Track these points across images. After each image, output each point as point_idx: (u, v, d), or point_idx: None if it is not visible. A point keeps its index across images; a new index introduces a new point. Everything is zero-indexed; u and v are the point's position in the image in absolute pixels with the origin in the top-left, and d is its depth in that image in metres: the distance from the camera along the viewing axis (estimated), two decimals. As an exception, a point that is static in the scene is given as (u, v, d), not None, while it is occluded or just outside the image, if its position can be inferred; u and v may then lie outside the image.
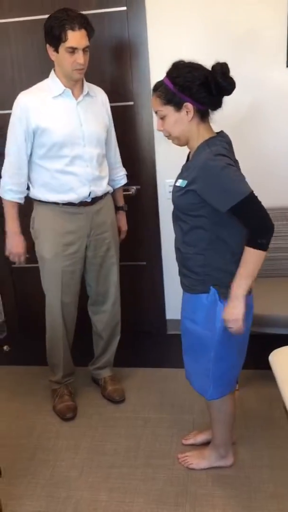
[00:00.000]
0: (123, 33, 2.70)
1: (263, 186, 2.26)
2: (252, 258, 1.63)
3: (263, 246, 1.62)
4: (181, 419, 2.39)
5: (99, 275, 2.44)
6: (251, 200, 1.59)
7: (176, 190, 1.74)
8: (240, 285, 1.67)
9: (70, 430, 2.38)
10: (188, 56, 2.73)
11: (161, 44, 2.68)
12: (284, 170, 2.81)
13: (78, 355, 2.57)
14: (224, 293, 1.74)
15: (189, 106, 1.65)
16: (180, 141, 1.75)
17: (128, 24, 2.68)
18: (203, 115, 1.69)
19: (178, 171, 2.83)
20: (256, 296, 2.45)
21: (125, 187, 2.87)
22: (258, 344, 2.92)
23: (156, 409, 2.48)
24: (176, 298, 2.83)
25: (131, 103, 2.82)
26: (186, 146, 1.78)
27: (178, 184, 1.72)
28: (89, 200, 2.27)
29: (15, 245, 2.32)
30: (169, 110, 1.67)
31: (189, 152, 1.81)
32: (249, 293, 1.80)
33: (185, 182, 1.68)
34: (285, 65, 2.63)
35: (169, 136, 1.74)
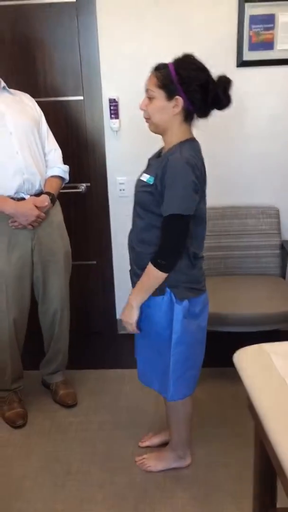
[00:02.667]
0: (72, 26, 2.62)
1: (214, 185, 2.27)
2: (149, 273, 1.67)
3: (161, 267, 1.64)
4: (136, 421, 2.35)
5: (45, 279, 2.33)
6: (177, 221, 1.60)
7: (140, 185, 1.69)
8: (135, 297, 1.74)
9: (21, 438, 2.27)
10: (137, 49, 2.70)
11: (112, 38, 2.62)
12: (234, 169, 2.84)
13: (27, 357, 2.47)
14: (181, 294, 1.73)
15: (179, 100, 1.60)
16: (156, 129, 1.69)
17: (77, 16, 2.59)
18: (187, 116, 1.66)
19: (129, 168, 2.84)
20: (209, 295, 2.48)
21: (74, 184, 2.81)
22: (209, 343, 2.95)
23: (111, 412, 2.43)
24: (127, 298, 2.80)
25: (81, 97, 2.74)
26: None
27: (144, 179, 1.68)
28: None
29: None
30: (160, 94, 1.61)
31: (161, 148, 1.77)
32: (203, 292, 1.80)
33: (152, 178, 1.64)
34: (235, 65, 2.65)
35: (148, 119, 1.68)
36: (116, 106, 2.71)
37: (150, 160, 1.80)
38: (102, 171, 2.86)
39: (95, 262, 3.03)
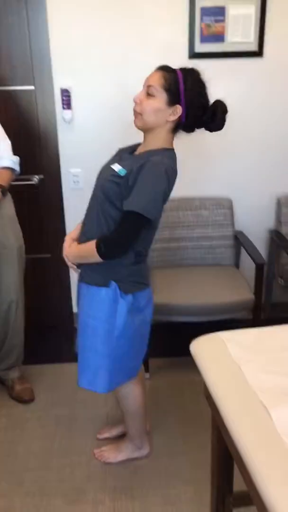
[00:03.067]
0: (21, 14, 2.54)
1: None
2: (89, 248, 1.66)
3: (99, 251, 1.63)
4: (94, 414, 2.35)
5: None
6: (136, 220, 1.59)
7: (110, 173, 1.65)
8: (73, 252, 1.79)
9: (-24, 436, 2.23)
10: (89, 39, 2.66)
11: (63, 27, 2.57)
12: (187, 160, 2.86)
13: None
14: (125, 288, 1.73)
15: (179, 110, 1.59)
16: (143, 126, 1.65)
17: (26, 4, 2.52)
18: (177, 127, 1.66)
19: (83, 159, 2.81)
20: (157, 286, 2.50)
21: (27, 176, 2.74)
22: (166, 333, 2.98)
23: (68, 406, 2.41)
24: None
25: (32, 87, 2.67)
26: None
27: (115, 169, 1.63)
28: None
29: None
30: (162, 96, 1.58)
31: (136, 145, 1.76)
32: (148, 286, 1.81)
33: (125, 171, 1.61)
34: (187, 56, 2.67)
35: (138, 114, 1.64)
36: (69, 96, 2.66)
37: (122, 152, 1.78)
38: (55, 162, 2.81)
39: (49, 255, 2.99)
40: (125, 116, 2.72)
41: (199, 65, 2.64)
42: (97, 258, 1.64)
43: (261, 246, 2.96)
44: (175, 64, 2.70)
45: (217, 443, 1.47)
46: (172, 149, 1.69)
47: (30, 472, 2.02)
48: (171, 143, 1.69)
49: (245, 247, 2.72)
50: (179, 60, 2.65)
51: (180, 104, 1.59)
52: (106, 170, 1.70)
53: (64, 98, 2.66)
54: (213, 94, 2.78)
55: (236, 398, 1.21)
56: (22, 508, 1.86)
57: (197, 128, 1.68)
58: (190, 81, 1.59)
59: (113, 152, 1.83)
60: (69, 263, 1.83)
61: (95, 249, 1.63)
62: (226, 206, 2.86)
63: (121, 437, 2.14)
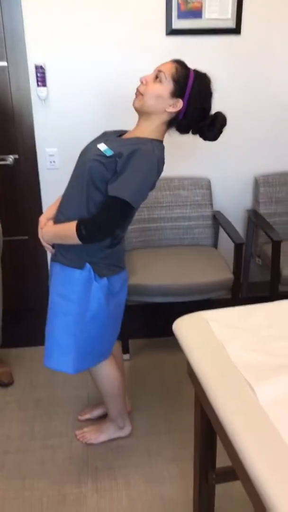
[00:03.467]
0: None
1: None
2: (68, 230, 1.62)
3: (79, 234, 1.59)
4: (75, 395, 2.34)
5: None
6: (121, 207, 1.57)
7: (95, 153, 1.61)
8: (49, 232, 1.75)
9: None
10: (64, 14, 2.57)
11: (36, 1, 2.48)
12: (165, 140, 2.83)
13: None
14: (100, 271, 1.71)
15: (179, 104, 1.59)
16: (141, 108, 1.63)
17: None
18: (172, 122, 1.65)
19: (59, 139, 2.75)
20: (136, 267, 2.49)
21: (1, 156, 2.68)
22: (146, 314, 2.99)
23: (48, 388, 2.39)
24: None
25: (4, 63, 2.59)
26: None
27: (101, 149, 1.60)
28: None
29: None
30: (169, 85, 1.58)
31: (125, 132, 1.73)
32: (123, 269, 1.80)
33: (111, 152, 1.58)
34: (165, 33, 2.61)
35: (140, 94, 1.61)
36: (43, 73, 2.59)
37: (108, 134, 1.74)
38: (31, 142, 2.74)
39: (26, 237, 2.94)
40: (101, 93, 2.68)
41: (176, 41, 2.64)
42: (75, 241, 1.61)
43: (238, 226, 2.97)
44: (153, 41, 2.67)
45: (200, 420, 1.48)
46: (162, 141, 1.68)
47: (11, 455, 2.01)
48: (162, 136, 1.69)
49: (224, 227, 2.72)
50: (157, 37, 2.63)
51: (182, 99, 1.59)
52: (91, 149, 1.66)
53: (39, 74, 2.59)
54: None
55: (220, 376, 1.21)
56: (4, 491, 1.84)
57: (193, 133, 1.69)
58: (199, 82, 1.61)
59: (90, 130, 1.80)
60: (44, 243, 1.79)
61: (75, 231, 1.60)
62: (204, 186, 2.85)
63: (103, 417, 2.14)
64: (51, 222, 1.77)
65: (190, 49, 2.66)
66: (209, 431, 1.49)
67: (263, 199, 2.88)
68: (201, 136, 1.70)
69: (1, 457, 2.00)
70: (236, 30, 2.64)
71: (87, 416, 2.18)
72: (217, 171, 2.92)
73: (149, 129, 1.64)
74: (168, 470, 1.93)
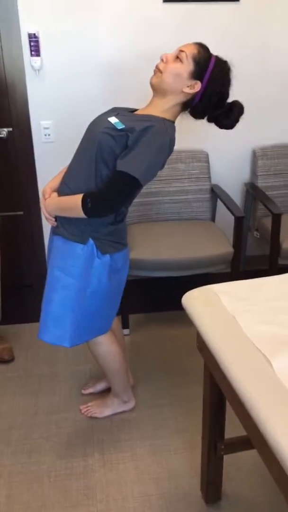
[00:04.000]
0: None
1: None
2: (74, 202, 1.60)
3: (85, 207, 1.57)
4: (77, 370, 2.34)
5: None
6: (130, 183, 1.55)
7: (105, 125, 1.57)
8: (52, 204, 1.70)
9: None
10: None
11: None
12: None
13: None
14: (103, 248, 1.69)
15: (197, 86, 1.57)
16: (158, 86, 1.59)
17: None
18: (187, 104, 1.62)
19: (54, 111, 2.68)
20: (135, 241, 2.47)
21: (-5, 129, 2.61)
22: (145, 289, 2.98)
23: (50, 364, 2.39)
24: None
25: (-4, 33, 2.50)
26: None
27: (112, 121, 1.57)
28: None
29: None
30: (189, 65, 1.56)
31: (135, 110, 1.70)
32: (125, 246, 1.78)
33: (123, 126, 1.54)
34: (162, 0, 2.53)
35: (159, 71, 1.58)
36: (37, 42, 2.50)
37: (117, 109, 1.70)
38: (25, 114, 2.67)
39: (22, 212, 2.89)
40: (97, 64, 2.61)
41: (173, 9, 2.56)
42: (79, 214, 1.59)
43: (236, 199, 2.95)
44: (150, 8, 2.59)
45: (210, 392, 1.48)
46: (174, 122, 1.65)
47: (16, 431, 2.01)
48: (175, 117, 1.66)
49: (223, 200, 2.70)
50: (153, 4, 2.54)
51: (201, 82, 1.57)
52: (100, 122, 1.61)
53: (32, 43, 2.50)
54: (187, 38, 2.69)
55: (234, 348, 1.21)
56: (11, 467, 1.85)
57: (208, 120, 1.67)
58: (220, 68, 1.59)
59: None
60: (46, 215, 1.75)
61: (80, 204, 1.57)
62: (202, 159, 2.82)
63: (106, 391, 2.15)
64: (55, 194, 1.73)
65: (188, 17, 2.59)
66: (218, 402, 1.50)
67: (261, 172, 2.85)
68: (217, 124, 1.68)
69: (6, 432, 2.00)
70: (235, -3, 2.57)
71: (90, 390, 2.19)
72: (215, 143, 2.88)
73: (163, 108, 1.61)
74: (173, 442, 1.95)
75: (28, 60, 2.55)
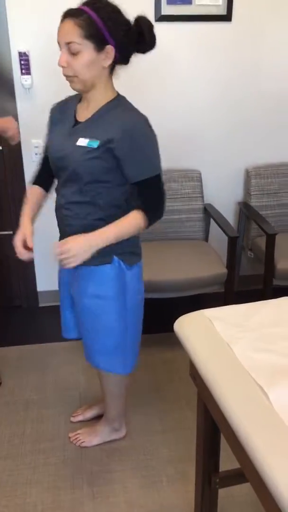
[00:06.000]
0: None
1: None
2: (134, 222, 1.54)
3: (148, 223, 1.56)
4: (66, 396, 2.26)
5: None
6: (157, 181, 1.55)
7: (81, 152, 1.49)
8: (106, 239, 1.51)
9: None
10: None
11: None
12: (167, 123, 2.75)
13: None
14: (129, 260, 1.66)
15: (110, 49, 1.42)
16: (84, 87, 1.48)
17: None
18: (113, 67, 1.51)
19: (45, 130, 2.62)
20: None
21: (-16, 148, 2.56)
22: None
23: (38, 389, 2.31)
24: (48, 269, 2.65)
25: (-14, 50, 2.47)
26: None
27: (84, 144, 1.48)
28: None
29: None
30: (88, 46, 1.39)
31: (71, 98, 1.62)
32: (141, 256, 1.73)
33: (97, 142, 1.47)
34: (154, 19, 2.52)
35: (72, 77, 1.45)
36: (27, 60, 2.48)
37: (57, 113, 1.63)
38: (15, 133, 2.63)
39: (11, 232, 2.83)
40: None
41: (166, 28, 2.55)
42: (143, 228, 1.57)
43: (229, 218, 2.91)
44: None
45: (204, 423, 1.41)
46: (120, 95, 1.56)
47: (1, 461, 1.92)
48: (113, 88, 1.55)
49: (216, 220, 2.66)
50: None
51: (109, 43, 1.42)
52: (74, 150, 1.50)
53: (23, 62, 2.47)
54: (181, 58, 2.68)
55: (229, 378, 1.14)
56: (-5, 499, 1.76)
57: (130, 56, 1.51)
58: (104, 12, 1.40)
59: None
60: (72, 264, 1.48)
61: (143, 221, 1.54)
62: (195, 178, 2.78)
63: (96, 419, 2.07)
64: (81, 236, 1.51)
65: (180, 36, 2.58)
66: (213, 434, 1.43)
67: (254, 191, 2.82)
68: (140, 51, 1.50)
69: (-9, 463, 1.92)
70: (227, 17, 2.57)
71: (80, 417, 2.10)
72: (208, 162, 2.85)
73: (104, 92, 1.51)
74: (166, 472, 1.87)
75: (18, 78, 2.52)
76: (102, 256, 1.59)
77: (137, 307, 1.75)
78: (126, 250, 1.64)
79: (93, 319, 1.70)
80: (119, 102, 1.52)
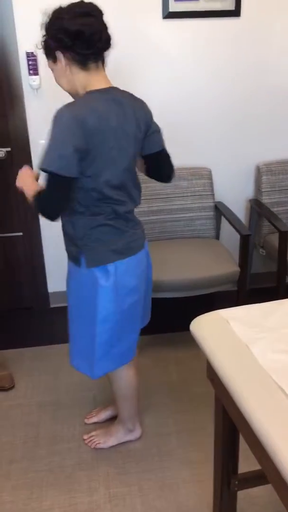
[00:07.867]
0: None
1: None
2: (29, 195, 1.52)
3: (36, 208, 1.49)
4: (80, 397, 2.25)
5: None
6: (50, 178, 1.43)
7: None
8: (25, 181, 1.59)
9: None
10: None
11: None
12: (163, 129, 2.73)
13: None
14: (90, 262, 1.59)
15: (60, 55, 1.49)
16: (72, 95, 1.58)
17: None
18: (83, 64, 1.48)
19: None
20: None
21: (-7, 150, 2.55)
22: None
23: (51, 391, 2.30)
24: (59, 269, 2.63)
25: (-7, 51, 2.46)
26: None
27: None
28: None
29: None
30: (50, 63, 1.55)
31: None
32: (134, 252, 1.66)
33: None
34: (162, 16, 2.50)
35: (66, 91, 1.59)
36: (35, 60, 2.46)
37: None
38: (23, 134, 2.62)
39: (21, 233, 2.82)
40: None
41: (174, 25, 2.53)
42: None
43: (240, 216, 2.88)
44: (150, 24, 2.56)
45: (222, 425, 1.40)
46: (97, 90, 1.50)
47: (16, 464, 1.91)
48: (94, 83, 1.50)
49: (227, 217, 2.63)
50: (153, 20, 2.51)
51: (56, 50, 1.48)
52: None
53: (30, 62, 2.46)
54: (189, 54, 2.65)
55: (249, 381, 1.12)
56: (12, 504, 1.75)
57: (85, 53, 1.47)
58: (47, 23, 1.49)
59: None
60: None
61: (35, 202, 1.49)
62: (205, 176, 2.76)
63: (110, 420, 2.06)
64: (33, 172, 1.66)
65: (188, 33, 2.55)
66: (231, 436, 1.41)
67: (265, 188, 2.79)
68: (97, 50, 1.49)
69: (7, 466, 1.91)
70: (235, 13, 2.53)
71: (94, 419, 2.09)
72: (218, 160, 2.82)
73: (81, 91, 1.52)
74: (182, 473, 1.85)
75: (26, 79, 2.51)
76: (72, 250, 1.62)
77: (112, 315, 1.64)
78: (94, 243, 1.57)
79: (71, 318, 1.75)
80: (79, 99, 1.51)
